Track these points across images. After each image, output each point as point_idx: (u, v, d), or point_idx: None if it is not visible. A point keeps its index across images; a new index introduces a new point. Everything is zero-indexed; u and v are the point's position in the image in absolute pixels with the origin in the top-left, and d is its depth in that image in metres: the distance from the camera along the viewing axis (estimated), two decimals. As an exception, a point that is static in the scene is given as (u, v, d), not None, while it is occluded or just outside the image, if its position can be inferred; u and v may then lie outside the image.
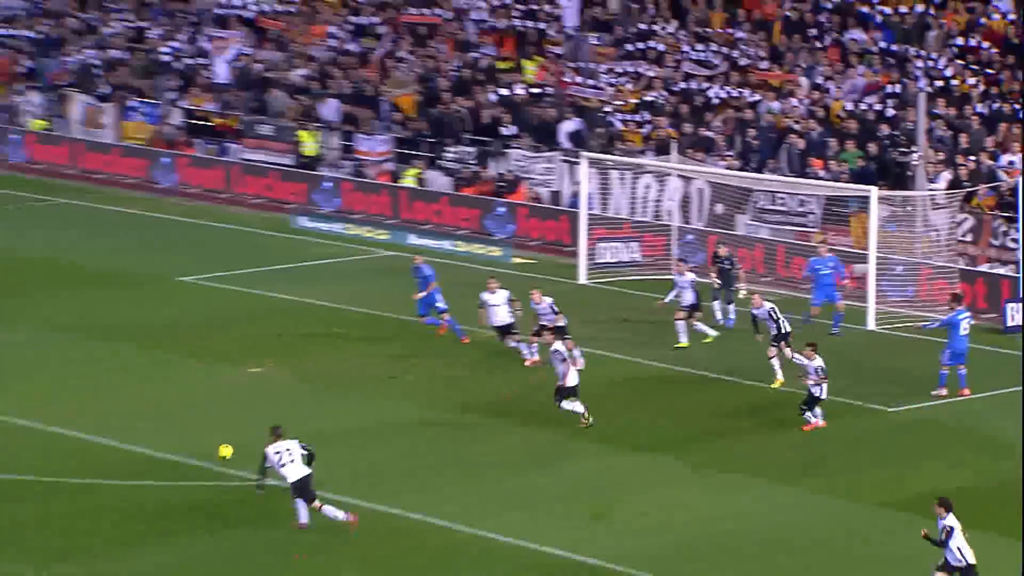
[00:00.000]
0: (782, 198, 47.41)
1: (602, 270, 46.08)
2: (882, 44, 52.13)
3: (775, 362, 36.91)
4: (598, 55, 55.42)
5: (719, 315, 41.38)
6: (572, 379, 34.26)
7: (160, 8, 63.66)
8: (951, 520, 25.78)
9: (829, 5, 53.83)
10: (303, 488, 28.77)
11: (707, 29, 54.91)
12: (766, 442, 34.19)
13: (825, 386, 34.21)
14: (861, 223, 44.23)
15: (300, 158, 54.84)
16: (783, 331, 37.18)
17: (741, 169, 48.91)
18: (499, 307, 38.46)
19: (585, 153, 48.50)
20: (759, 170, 48.69)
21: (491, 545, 29.04)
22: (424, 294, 40.13)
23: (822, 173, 47.90)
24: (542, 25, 57.30)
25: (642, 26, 55.85)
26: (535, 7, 57.82)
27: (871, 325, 41.88)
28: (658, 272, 45.24)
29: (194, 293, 44.52)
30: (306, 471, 28.78)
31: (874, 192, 43.17)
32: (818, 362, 34.15)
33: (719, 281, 41.52)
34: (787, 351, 36.29)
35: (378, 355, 39.00)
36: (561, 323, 37.17)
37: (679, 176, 48.04)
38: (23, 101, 61.02)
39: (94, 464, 32.14)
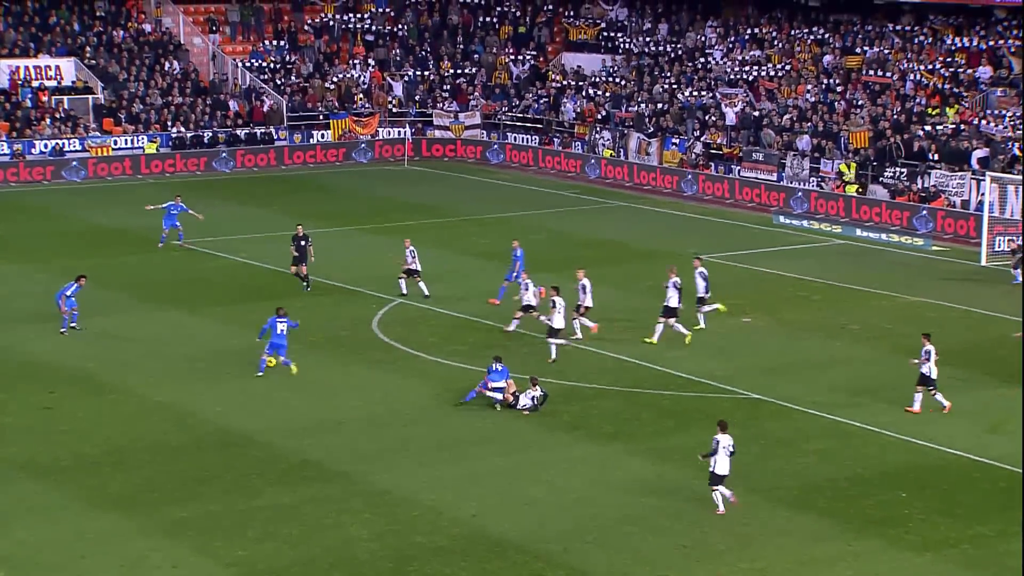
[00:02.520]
0: None
1: (998, 256, 43.63)
2: None
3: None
4: (1001, 103, 52.57)
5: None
6: (558, 323, 32.80)
7: (690, 75, 63.41)
8: (723, 438, 24.46)
9: None
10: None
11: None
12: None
13: None
14: None
15: (842, 181, 52.31)
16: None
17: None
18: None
19: (989, 173, 46.21)
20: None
21: (914, 446, 27.80)
22: (514, 273, 37.20)
23: None
24: (962, 85, 54.83)
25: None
26: (958, 71, 55.38)
27: None
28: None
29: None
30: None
31: None
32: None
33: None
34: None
35: (832, 311, 37.84)
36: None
37: (1059, 190, 45.20)
38: (599, 137, 61.80)
39: (637, 378, 32.16)
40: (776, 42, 62.82)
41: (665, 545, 23.51)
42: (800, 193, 52.65)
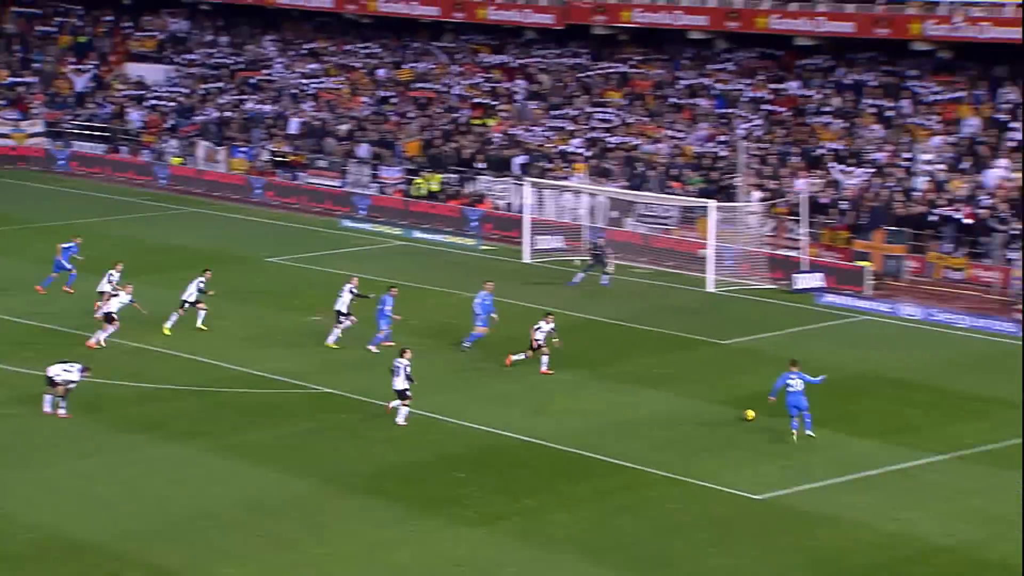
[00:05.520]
0: (653, 207, 47.09)
1: (539, 253, 45.74)
2: (716, 109, 51.92)
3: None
4: (536, 115, 55.11)
5: (603, 280, 40.98)
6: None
7: (256, 84, 62.83)
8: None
9: (682, 83, 53.69)
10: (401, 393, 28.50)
11: (606, 98, 54.58)
12: (652, 364, 33.72)
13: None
14: (703, 223, 43.92)
15: (428, 192, 51.89)
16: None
17: (628, 188, 48.57)
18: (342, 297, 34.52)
19: (528, 178, 48.26)
20: (639, 188, 48.36)
21: (469, 430, 28.72)
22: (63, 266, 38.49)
23: (679, 191, 47.69)
24: (500, 97, 57.00)
25: (563, 98, 55.60)
26: (496, 85, 57.58)
27: (710, 288, 41.57)
28: (575, 255, 44.91)
29: (276, 269, 44.02)
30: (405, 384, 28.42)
31: (712, 203, 42.98)
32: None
33: (590, 259, 41.20)
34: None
35: (397, 309, 38.36)
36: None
37: (588, 193, 47.77)
38: (167, 145, 60.22)
39: (211, 377, 31.64)
40: (332, 56, 63.27)
41: (243, 537, 23.27)
42: (362, 198, 53.27)
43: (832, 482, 25.76)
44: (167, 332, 34.57)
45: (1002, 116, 46.65)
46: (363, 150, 55.85)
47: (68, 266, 38.70)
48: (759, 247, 43.56)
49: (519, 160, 52.26)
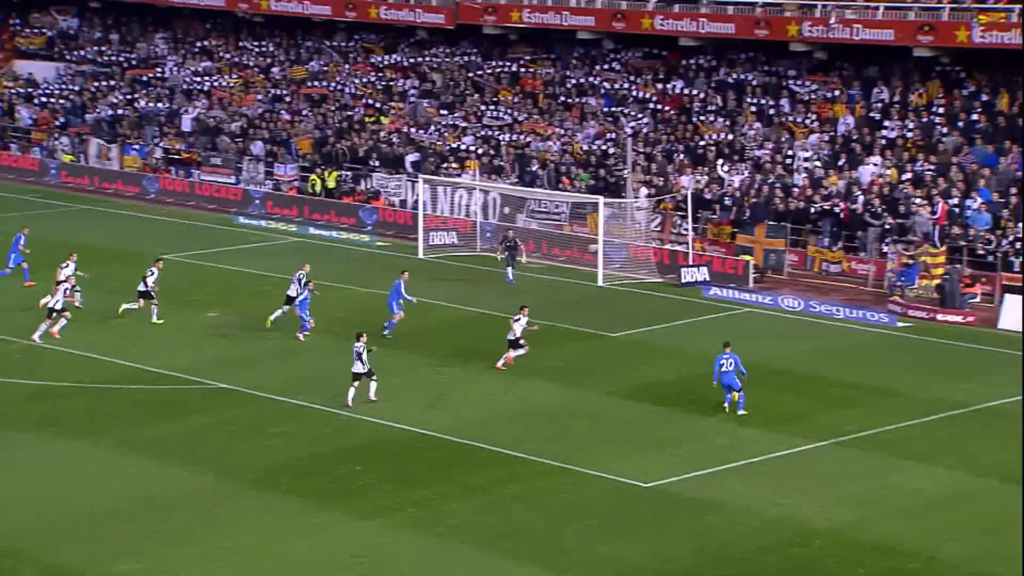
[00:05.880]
0: (544, 203, 47.38)
1: (433, 249, 45.74)
2: (605, 108, 52.34)
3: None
4: (428, 113, 55.08)
5: (509, 275, 41.12)
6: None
7: (147, 82, 61.82)
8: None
9: (572, 82, 54.06)
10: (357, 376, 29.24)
11: (498, 98, 54.73)
12: (545, 356, 33.94)
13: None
14: (594, 219, 44.31)
15: (324, 189, 51.36)
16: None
17: (520, 185, 48.81)
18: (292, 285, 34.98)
19: (422, 175, 48.21)
20: (531, 185, 48.64)
21: (366, 423, 28.64)
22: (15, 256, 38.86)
23: (569, 187, 48.06)
24: (393, 96, 56.88)
25: (455, 97, 55.62)
26: (390, 84, 57.40)
27: (600, 282, 41.92)
28: (468, 251, 44.99)
29: (172, 265, 43.20)
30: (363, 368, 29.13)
31: (601, 199, 43.34)
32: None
33: (505, 253, 41.40)
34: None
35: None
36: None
37: (481, 190, 47.89)
38: (57, 143, 58.97)
39: (107, 374, 31.12)
40: (225, 54, 62.52)
41: (139, 532, 22.97)
42: (257, 195, 52.76)
43: (718, 469, 26.18)
44: (157, 322, 35.26)
45: (875, 115, 47.75)
46: (257, 147, 55.30)
47: (20, 259, 38.38)
48: (647, 242, 44.05)
49: (412, 158, 52.22)
